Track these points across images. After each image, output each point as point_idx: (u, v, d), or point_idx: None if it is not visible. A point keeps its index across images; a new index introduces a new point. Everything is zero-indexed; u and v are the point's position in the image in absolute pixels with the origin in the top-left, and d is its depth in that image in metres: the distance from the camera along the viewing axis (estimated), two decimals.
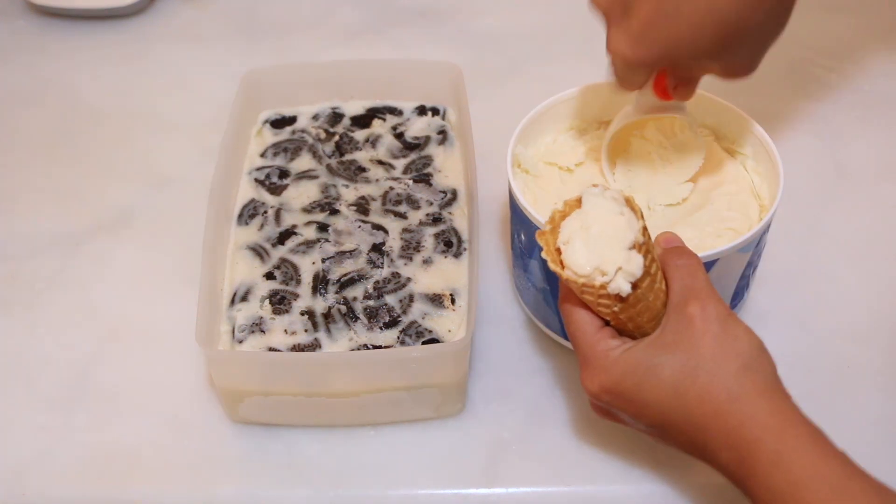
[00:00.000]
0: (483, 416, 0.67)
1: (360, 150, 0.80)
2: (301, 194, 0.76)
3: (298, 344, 0.67)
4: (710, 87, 0.69)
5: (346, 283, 0.70)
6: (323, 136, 0.81)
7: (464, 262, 0.71)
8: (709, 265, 0.59)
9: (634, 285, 0.52)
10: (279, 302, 0.69)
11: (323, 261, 0.71)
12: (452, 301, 0.69)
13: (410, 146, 0.80)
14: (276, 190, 0.76)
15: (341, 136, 0.80)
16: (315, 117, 0.82)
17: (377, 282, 0.70)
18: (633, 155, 0.69)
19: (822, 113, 0.88)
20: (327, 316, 0.68)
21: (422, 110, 0.82)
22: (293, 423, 0.67)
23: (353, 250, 0.72)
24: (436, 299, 0.69)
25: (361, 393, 0.64)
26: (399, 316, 0.68)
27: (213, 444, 0.66)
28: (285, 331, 0.67)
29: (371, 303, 0.68)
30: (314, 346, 0.66)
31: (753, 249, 0.63)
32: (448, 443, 0.66)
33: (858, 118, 0.87)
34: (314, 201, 0.75)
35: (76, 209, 0.81)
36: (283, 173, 0.78)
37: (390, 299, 0.69)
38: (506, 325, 0.72)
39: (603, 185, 0.54)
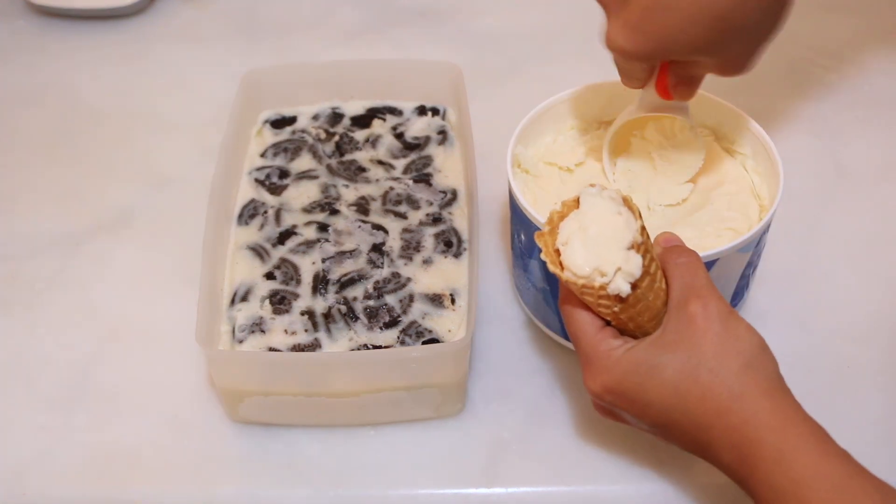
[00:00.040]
0: (483, 416, 0.67)
1: (360, 150, 0.80)
2: (301, 194, 0.76)
3: (298, 344, 0.67)
4: (710, 87, 0.69)
5: (347, 283, 0.70)
6: (323, 136, 0.81)
7: (464, 262, 0.71)
8: (709, 265, 0.59)
9: (634, 285, 0.52)
10: (279, 302, 0.69)
11: (323, 261, 0.71)
12: (452, 301, 0.69)
13: (410, 146, 0.80)
14: (276, 190, 0.76)
15: (341, 136, 0.80)
16: (315, 117, 0.82)
17: (377, 282, 0.70)
18: (633, 155, 0.69)
19: (822, 113, 0.88)
20: (327, 316, 0.68)
21: (422, 110, 0.82)
22: (293, 423, 0.67)
23: (353, 250, 0.72)
24: (436, 299, 0.69)
25: (361, 393, 0.64)
26: (399, 316, 0.68)
27: (213, 444, 0.66)
28: (285, 331, 0.67)
29: (371, 303, 0.69)
30: (314, 346, 0.66)
31: (753, 249, 0.63)
32: (448, 443, 0.66)
33: (858, 118, 0.87)
34: (314, 201, 0.76)
35: (76, 209, 0.81)
36: (284, 173, 0.78)
37: (390, 299, 0.69)
38: (506, 325, 0.72)
39: (601, 184, 0.54)
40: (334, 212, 0.75)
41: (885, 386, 0.68)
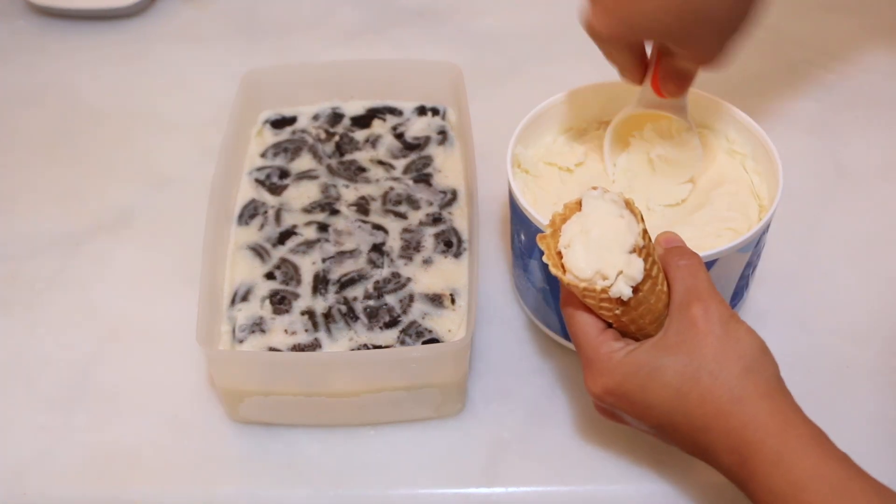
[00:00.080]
0: (483, 416, 0.67)
1: (361, 150, 0.80)
2: (301, 194, 0.76)
3: (299, 344, 0.67)
4: (709, 87, 0.69)
5: (347, 283, 0.70)
6: (323, 136, 0.81)
7: (464, 262, 0.71)
8: (708, 265, 0.59)
9: (635, 289, 0.52)
10: (279, 302, 0.69)
11: (323, 261, 0.71)
12: (452, 301, 0.69)
13: (410, 146, 0.80)
14: (276, 190, 0.76)
15: (341, 137, 0.80)
16: (315, 117, 0.82)
17: (377, 282, 0.70)
18: (632, 155, 0.69)
19: (822, 113, 0.88)
20: (327, 316, 0.68)
21: (422, 110, 0.82)
22: (293, 423, 0.67)
23: (354, 250, 0.72)
24: (436, 299, 0.69)
25: (361, 393, 0.64)
26: (399, 316, 0.68)
27: (213, 443, 0.66)
28: (285, 331, 0.67)
29: (371, 303, 0.69)
30: (314, 345, 0.66)
31: (753, 249, 0.63)
32: (448, 443, 0.66)
33: (858, 118, 0.87)
34: (314, 201, 0.76)
35: (76, 209, 0.81)
36: (284, 173, 0.78)
37: (390, 299, 0.69)
38: (506, 325, 0.72)
39: (603, 187, 0.54)
40: (334, 212, 0.75)
41: (885, 386, 0.68)
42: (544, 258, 0.53)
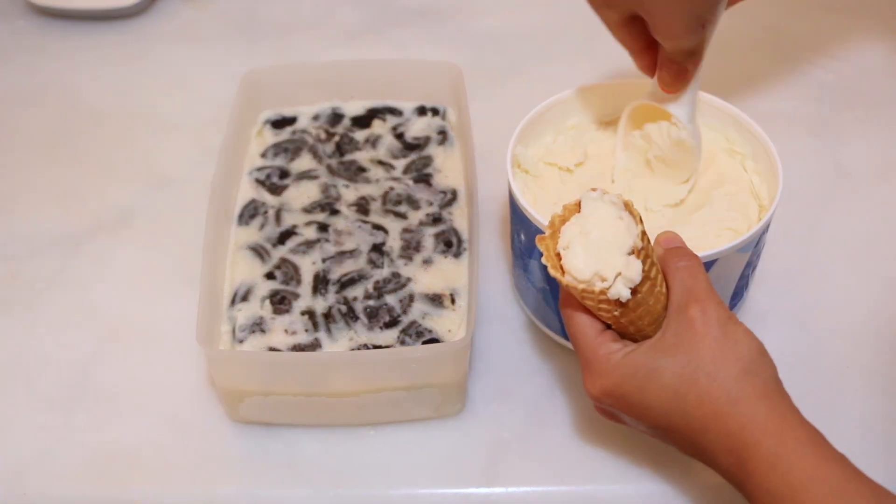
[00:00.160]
0: (483, 416, 0.67)
1: (361, 150, 0.80)
2: (301, 194, 0.76)
3: (299, 344, 0.67)
4: (709, 87, 0.69)
5: (347, 283, 0.70)
6: (323, 136, 0.81)
7: (464, 262, 0.71)
8: (708, 265, 0.60)
9: (634, 290, 0.52)
10: (279, 302, 0.69)
11: (323, 261, 0.71)
12: (452, 301, 0.69)
13: (410, 146, 0.80)
14: (276, 190, 0.76)
15: (341, 137, 0.80)
16: (315, 117, 0.82)
17: (377, 282, 0.70)
18: (631, 156, 0.69)
19: (822, 113, 0.88)
20: (327, 316, 0.68)
21: (422, 110, 0.82)
22: (293, 423, 0.67)
23: (354, 250, 0.72)
24: (436, 299, 0.69)
25: (361, 393, 0.64)
26: (399, 316, 0.68)
27: (213, 443, 0.66)
28: (286, 331, 0.67)
29: (371, 303, 0.69)
30: (314, 345, 0.66)
31: (753, 249, 0.63)
32: (448, 443, 0.66)
33: (858, 118, 0.87)
34: (314, 201, 0.76)
35: (76, 209, 0.81)
36: (284, 173, 0.78)
37: (390, 299, 0.69)
38: (506, 325, 0.72)
39: (602, 188, 0.54)
40: (334, 212, 0.75)
41: (885, 386, 0.68)
42: (543, 259, 0.53)
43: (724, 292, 0.65)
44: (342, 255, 0.72)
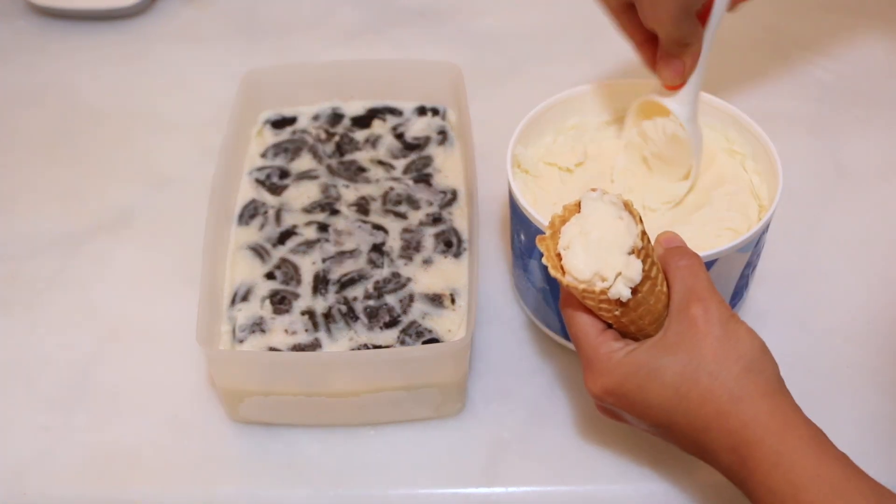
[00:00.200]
0: (483, 416, 0.67)
1: (361, 150, 0.80)
2: (301, 194, 0.76)
3: (299, 344, 0.67)
4: (710, 87, 0.69)
5: (347, 283, 0.70)
6: (323, 136, 0.81)
7: (464, 262, 0.71)
8: (708, 265, 0.60)
9: (635, 290, 0.52)
10: (279, 302, 0.69)
11: (323, 261, 0.71)
12: (452, 301, 0.69)
13: (410, 146, 0.80)
14: (276, 190, 0.76)
15: (342, 137, 0.80)
16: (315, 117, 0.82)
17: (377, 282, 0.70)
18: (630, 155, 0.69)
19: (822, 113, 0.88)
20: (327, 316, 0.68)
21: (422, 110, 0.82)
22: (293, 423, 0.67)
23: (354, 250, 0.72)
24: (436, 299, 0.69)
25: (361, 393, 0.64)
26: (399, 316, 0.68)
27: (213, 443, 0.66)
28: (286, 331, 0.67)
29: (371, 303, 0.69)
30: (314, 345, 0.66)
31: (753, 249, 0.63)
32: (448, 443, 0.66)
33: (858, 118, 0.87)
34: (314, 201, 0.76)
35: (76, 209, 0.81)
36: (284, 173, 0.78)
37: (390, 299, 0.69)
38: (506, 325, 0.72)
39: (602, 188, 0.54)
40: (334, 212, 0.75)
41: (885, 386, 0.68)
42: (544, 260, 0.53)
43: (724, 292, 0.65)
44: (342, 255, 0.72)
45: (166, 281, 0.75)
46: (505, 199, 0.75)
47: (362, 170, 0.78)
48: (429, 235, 0.73)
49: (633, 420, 0.56)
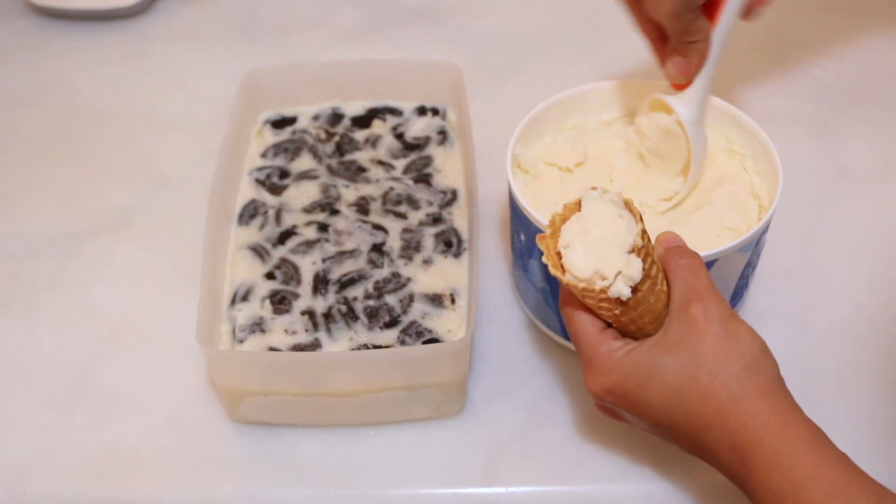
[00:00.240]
0: (483, 416, 0.67)
1: (361, 150, 0.80)
2: (301, 194, 0.76)
3: (299, 344, 0.67)
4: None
5: (347, 283, 0.70)
6: (323, 136, 0.81)
7: (464, 262, 0.71)
8: (708, 265, 0.60)
9: (635, 289, 0.52)
10: (279, 302, 0.69)
11: (323, 261, 0.71)
12: (452, 301, 0.69)
13: (410, 146, 0.80)
14: (276, 190, 0.76)
15: (342, 137, 0.80)
16: (315, 117, 0.82)
17: (377, 282, 0.70)
18: (628, 154, 0.70)
19: (822, 113, 0.88)
20: (327, 316, 0.68)
21: (422, 110, 0.82)
22: (293, 423, 0.67)
23: (354, 250, 0.72)
24: (436, 299, 0.69)
25: (361, 393, 0.64)
26: (399, 316, 0.68)
27: (213, 443, 0.66)
28: (286, 330, 0.67)
29: (371, 303, 0.69)
30: (314, 345, 0.66)
31: (753, 249, 0.63)
32: (448, 443, 0.66)
33: (858, 118, 0.87)
34: (314, 201, 0.76)
35: (76, 209, 0.81)
36: (284, 173, 0.78)
37: (390, 299, 0.69)
38: (506, 325, 0.72)
39: (602, 187, 0.54)
40: (334, 212, 0.75)
41: (885, 386, 0.68)
42: (544, 258, 0.53)
43: (724, 292, 0.65)
44: (342, 255, 0.72)
45: (166, 281, 0.75)
46: (505, 199, 0.75)
47: (362, 170, 0.78)
48: (429, 235, 0.73)
49: (633, 419, 0.56)
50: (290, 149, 0.79)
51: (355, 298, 0.69)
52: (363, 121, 0.82)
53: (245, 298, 0.69)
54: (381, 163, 0.79)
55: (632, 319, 0.54)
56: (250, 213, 0.75)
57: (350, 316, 0.68)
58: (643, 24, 0.67)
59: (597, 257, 0.51)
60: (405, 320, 0.68)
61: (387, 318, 0.68)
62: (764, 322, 0.71)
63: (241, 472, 0.65)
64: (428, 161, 0.78)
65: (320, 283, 0.70)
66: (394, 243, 0.72)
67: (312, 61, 0.92)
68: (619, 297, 0.52)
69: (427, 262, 0.71)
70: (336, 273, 0.70)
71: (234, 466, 0.65)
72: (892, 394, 0.68)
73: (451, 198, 0.76)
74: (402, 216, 0.74)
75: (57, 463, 0.65)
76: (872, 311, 0.73)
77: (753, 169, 0.68)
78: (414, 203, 0.75)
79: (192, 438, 0.66)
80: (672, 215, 0.67)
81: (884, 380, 0.68)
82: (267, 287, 0.70)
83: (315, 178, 0.77)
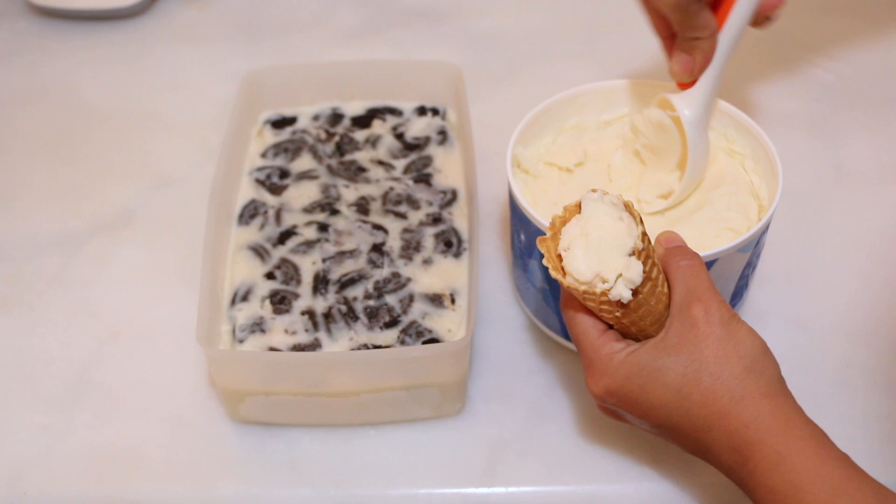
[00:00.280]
0: (483, 416, 0.67)
1: (361, 150, 0.80)
2: (301, 194, 0.76)
3: (299, 344, 0.67)
4: None
5: (347, 282, 0.70)
6: (323, 136, 0.81)
7: (464, 262, 0.71)
8: (708, 265, 0.60)
9: (635, 291, 0.52)
10: (280, 302, 0.69)
11: (323, 261, 0.71)
12: (452, 301, 0.69)
13: (410, 146, 0.80)
14: (276, 190, 0.76)
15: (342, 137, 0.81)
16: (315, 118, 0.82)
17: (377, 282, 0.70)
18: (625, 152, 0.70)
19: (822, 113, 0.88)
20: (327, 316, 0.68)
21: (422, 111, 0.82)
22: (294, 423, 0.67)
23: (354, 250, 0.72)
24: (436, 299, 0.69)
25: (361, 393, 0.64)
26: (399, 316, 0.68)
27: (213, 443, 0.66)
28: (286, 330, 0.67)
29: (371, 303, 0.69)
30: (314, 345, 0.66)
31: (752, 249, 0.63)
32: (448, 442, 0.66)
33: (858, 118, 0.87)
34: (314, 201, 0.76)
35: (76, 209, 0.81)
36: (284, 173, 0.78)
37: (390, 299, 0.69)
38: (506, 325, 0.72)
39: (602, 189, 0.54)
40: (334, 212, 0.75)
41: (886, 386, 0.68)
42: (544, 261, 0.53)
43: (724, 292, 0.65)
44: (342, 255, 0.72)
45: (166, 281, 0.75)
46: (505, 199, 0.75)
47: (362, 170, 0.78)
48: (429, 235, 0.73)
49: (635, 420, 0.56)
50: (291, 149, 0.79)
51: (355, 298, 0.69)
52: (363, 121, 0.82)
53: (245, 298, 0.69)
54: (381, 163, 0.79)
55: (633, 321, 0.54)
56: (250, 213, 0.75)
57: (350, 316, 0.68)
58: (654, 19, 0.67)
59: (597, 260, 0.51)
60: (405, 320, 0.68)
61: (387, 318, 0.68)
62: (764, 322, 0.71)
63: (241, 472, 0.65)
64: (428, 161, 0.78)
65: (320, 283, 0.70)
66: (394, 243, 0.72)
67: (312, 61, 0.92)
68: (619, 300, 0.52)
69: (427, 262, 0.71)
70: (336, 273, 0.70)
71: (234, 466, 0.65)
72: (892, 394, 0.68)
73: (451, 198, 0.76)
74: (402, 216, 0.74)
75: (57, 463, 0.65)
76: (872, 311, 0.73)
77: (753, 169, 0.68)
78: (414, 203, 0.75)
79: (193, 438, 0.66)
80: (672, 215, 0.67)
81: (884, 380, 0.68)
82: (267, 287, 0.70)
83: (315, 178, 0.77)
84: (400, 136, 0.81)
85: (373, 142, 0.80)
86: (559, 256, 0.53)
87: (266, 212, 0.75)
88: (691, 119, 0.65)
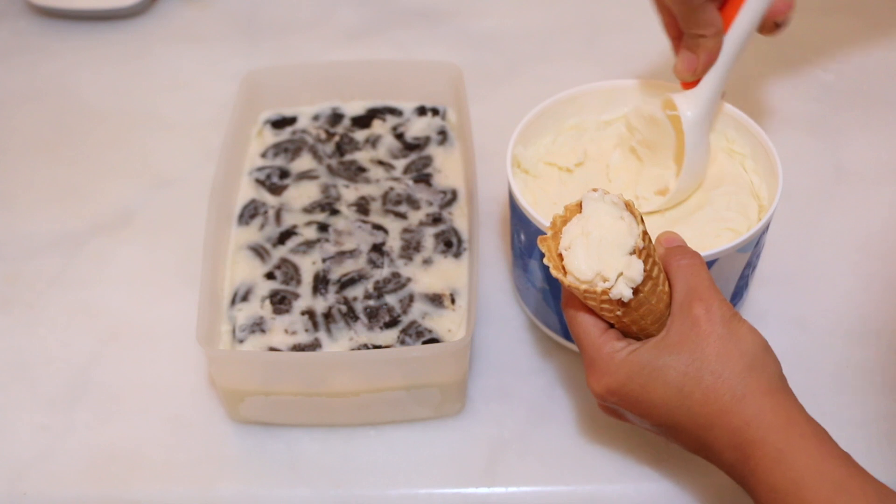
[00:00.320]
0: (483, 416, 0.67)
1: (361, 150, 0.80)
2: (301, 194, 0.76)
3: (299, 344, 0.67)
4: None
5: (347, 282, 0.70)
6: (323, 136, 0.81)
7: (464, 262, 0.71)
8: (708, 265, 0.60)
9: (636, 290, 0.52)
10: (280, 302, 0.69)
11: (323, 261, 0.71)
12: (452, 301, 0.69)
13: (410, 146, 0.80)
14: (276, 190, 0.76)
15: (342, 137, 0.81)
16: (315, 118, 0.82)
17: (377, 282, 0.70)
18: (623, 151, 0.70)
19: (822, 113, 0.88)
20: (327, 316, 0.68)
21: (422, 111, 0.82)
22: (293, 423, 0.67)
23: (354, 250, 0.72)
24: (436, 299, 0.69)
25: (361, 393, 0.64)
26: (399, 316, 0.68)
27: (213, 443, 0.66)
28: (286, 330, 0.67)
29: (371, 303, 0.69)
30: (314, 345, 0.66)
31: (752, 249, 0.63)
32: (448, 442, 0.66)
33: (858, 118, 0.87)
34: (314, 201, 0.76)
35: (76, 209, 0.81)
36: (284, 173, 0.78)
37: (390, 299, 0.69)
38: (506, 325, 0.72)
39: (603, 188, 0.54)
40: (334, 212, 0.75)
41: (885, 386, 0.68)
42: (545, 260, 0.53)
43: (724, 292, 0.65)
44: (342, 255, 0.72)
45: (166, 281, 0.75)
46: (505, 199, 0.75)
47: (362, 170, 0.78)
48: (429, 235, 0.73)
49: (636, 419, 0.56)
50: (291, 149, 0.80)
51: (355, 298, 0.69)
52: (363, 121, 0.82)
53: (245, 298, 0.69)
54: (381, 163, 0.79)
55: (634, 320, 0.54)
56: (250, 213, 0.75)
57: (350, 316, 0.68)
58: (665, 17, 0.66)
59: (598, 259, 0.51)
60: (405, 320, 0.68)
61: (387, 318, 0.68)
62: (764, 322, 0.71)
63: (241, 472, 0.65)
64: (428, 161, 0.78)
65: (320, 283, 0.70)
66: (394, 243, 0.72)
67: (312, 61, 0.92)
68: (620, 299, 0.52)
69: (427, 262, 0.71)
70: (336, 273, 0.70)
71: (234, 466, 0.65)
72: (892, 394, 0.68)
73: (451, 198, 0.76)
74: (402, 216, 0.74)
75: (57, 463, 0.65)
76: (872, 311, 0.73)
77: (753, 169, 0.68)
78: (414, 203, 0.75)
79: (193, 438, 0.66)
80: (672, 215, 0.67)
81: (883, 380, 0.68)
82: (267, 287, 0.70)
83: (315, 178, 0.77)
84: (400, 136, 0.81)
85: (373, 142, 0.80)
86: (560, 256, 0.53)
87: (266, 212, 0.75)
88: (693, 119, 0.65)
